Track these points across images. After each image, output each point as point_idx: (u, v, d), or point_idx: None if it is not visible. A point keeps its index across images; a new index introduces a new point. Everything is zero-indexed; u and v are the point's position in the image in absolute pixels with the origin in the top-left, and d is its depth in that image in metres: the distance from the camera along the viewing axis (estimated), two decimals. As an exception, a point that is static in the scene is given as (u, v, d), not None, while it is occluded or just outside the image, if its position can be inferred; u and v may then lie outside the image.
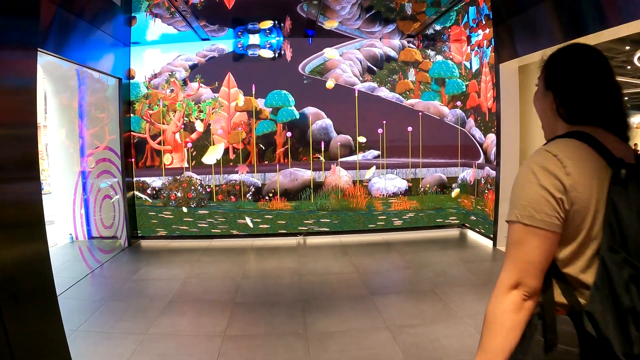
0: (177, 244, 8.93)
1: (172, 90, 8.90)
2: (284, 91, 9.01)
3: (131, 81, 8.89)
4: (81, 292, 6.32)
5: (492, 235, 8.10)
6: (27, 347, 2.48)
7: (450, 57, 9.32)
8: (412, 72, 9.26)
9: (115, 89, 8.49)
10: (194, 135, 8.97)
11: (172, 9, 8.21)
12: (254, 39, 8.99)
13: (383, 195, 9.27)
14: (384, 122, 9.20)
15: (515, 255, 1.75)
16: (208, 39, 8.96)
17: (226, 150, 9.02)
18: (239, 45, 9.00)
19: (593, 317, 1.56)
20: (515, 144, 7.87)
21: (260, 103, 8.98)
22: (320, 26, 8.88)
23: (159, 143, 8.98)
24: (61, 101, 7.86)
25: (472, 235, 8.97)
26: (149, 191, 9.03)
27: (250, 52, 9.00)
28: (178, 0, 7.26)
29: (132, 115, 8.89)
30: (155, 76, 8.93)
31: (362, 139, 9.16)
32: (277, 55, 9.02)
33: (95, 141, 8.17)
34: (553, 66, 1.99)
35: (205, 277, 6.87)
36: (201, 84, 8.93)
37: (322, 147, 9.08)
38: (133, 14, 8.63)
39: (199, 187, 9.01)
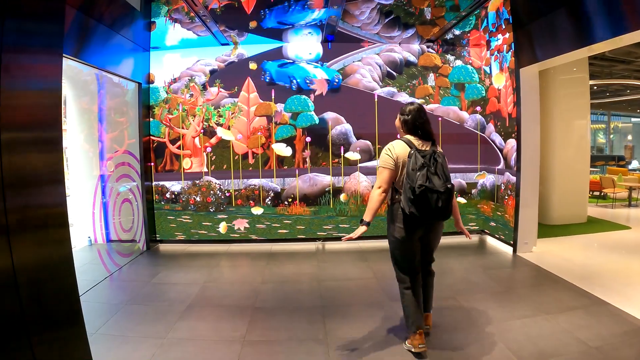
0: (195, 248, 8.93)
1: (191, 95, 8.91)
2: (304, 96, 9.00)
3: (151, 86, 8.92)
4: (100, 295, 6.33)
5: (512, 242, 8.01)
6: (50, 350, 2.46)
7: (470, 61, 9.25)
8: (431, 77, 9.20)
9: (135, 93, 8.51)
10: (213, 140, 8.97)
11: (192, 14, 8.24)
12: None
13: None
14: None
15: (380, 177, 4.38)
16: (228, 44, 8.96)
17: (245, 155, 8.99)
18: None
19: (400, 203, 4.35)
20: (535, 149, 7.80)
21: (279, 108, 8.96)
22: (340, 31, 8.86)
23: (179, 147, 8.98)
24: (81, 105, 7.89)
25: (491, 241, 8.88)
26: (167, 195, 9.03)
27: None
28: (198, 5, 7.27)
29: (151, 119, 8.91)
30: (174, 81, 8.96)
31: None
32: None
33: (115, 145, 8.20)
34: (401, 111, 4.54)
35: (224, 282, 6.85)
36: (221, 89, 8.93)
37: (342, 151, 9.04)
38: (152, 19, 8.67)
39: (218, 192, 9.00)
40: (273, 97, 8.99)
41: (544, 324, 4.98)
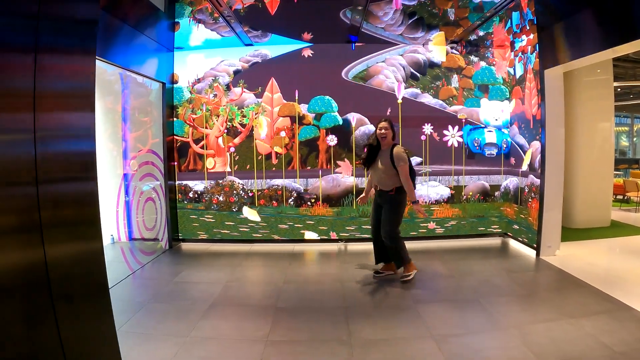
0: (217, 247, 8.97)
1: (215, 95, 8.95)
2: (327, 97, 8.99)
3: (175, 85, 8.98)
4: (122, 292, 6.37)
5: (535, 245, 7.95)
6: (79, 346, 2.48)
7: (494, 63, 9.20)
8: (455, 79, 9.16)
9: (159, 93, 8.56)
10: (236, 140, 9.00)
11: (216, 14, 8.27)
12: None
13: (425, 202, 9.18)
14: (427, 128, 9.12)
15: (405, 170, 6.54)
16: (251, 45, 8.99)
17: (268, 155, 9.02)
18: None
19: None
20: (560, 151, 7.74)
21: (303, 108, 8.97)
22: (363, 32, 8.86)
23: (202, 147, 9.03)
24: (105, 104, 7.94)
25: (514, 244, 8.82)
26: (190, 194, 9.08)
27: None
28: (222, 6, 7.29)
29: (175, 119, 8.97)
30: (198, 81, 9.02)
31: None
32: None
33: (138, 144, 8.25)
34: (392, 124, 6.75)
35: (246, 281, 6.88)
36: (244, 89, 8.95)
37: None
38: (176, 20, 8.71)
39: (241, 192, 9.03)
40: (297, 98, 9.01)
41: (567, 327, 4.92)
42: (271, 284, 6.70)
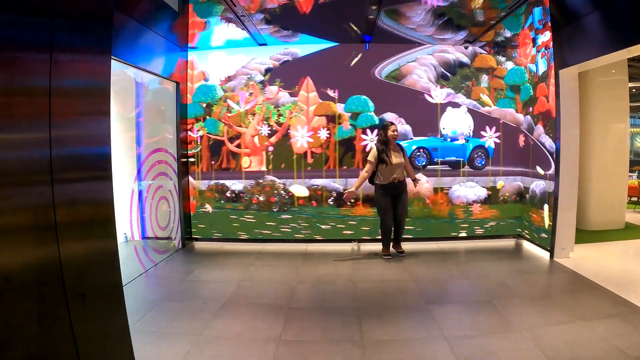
0: (230, 246, 9.00)
1: (251, 94, 8.96)
2: (364, 96, 9.00)
3: (206, 83, 9.04)
4: (135, 291, 6.40)
5: (549, 248, 7.90)
6: (92, 344, 2.49)
7: (519, 62, 9.13)
8: (485, 79, 9.11)
9: (173, 92, 8.58)
10: (272, 139, 9.02)
11: (224, 15, 8.30)
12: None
13: (464, 203, 9.16)
14: (463, 129, 9.11)
15: (368, 167, 7.88)
16: (265, 44, 8.99)
17: (304, 155, 9.06)
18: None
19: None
20: (574, 152, 7.68)
21: (339, 108, 8.99)
22: (389, 31, 8.84)
23: (237, 146, 9.08)
24: (119, 103, 7.98)
25: (527, 245, 8.77)
26: (227, 194, 9.13)
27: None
28: (236, 5, 7.30)
29: (208, 117, 9.05)
30: (229, 79, 9.03)
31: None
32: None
33: (152, 143, 8.28)
34: (380, 127, 8.31)
35: (259, 281, 6.88)
36: (281, 88, 8.97)
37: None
38: (206, 19, 8.70)
39: (282, 191, 9.04)
40: (337, 97, 9.04)
41: (581, 330, 4.89)
42: (284, 284, 6.70)
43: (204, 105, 9.11)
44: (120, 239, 7.87)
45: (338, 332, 5.01)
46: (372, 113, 9.01)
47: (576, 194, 7.82)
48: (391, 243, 8.24)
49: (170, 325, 5.22)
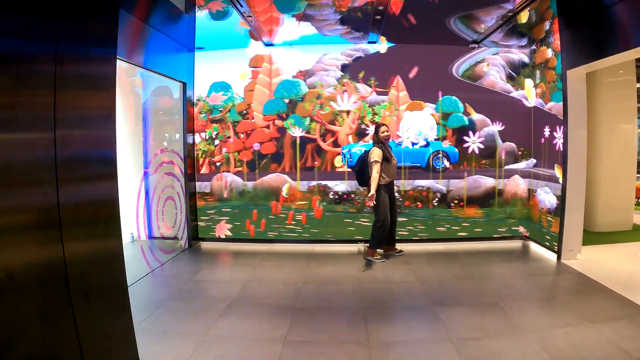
0: (236, 247, 9.00)
1: (344, 92, 8.97)
2: (454, 97, 8.99)
3: (289, 79, 9.07)
4: (141, 290, 6.41)
5: (556, 248, 7.87)
6: (97, 343, 2.49)
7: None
8: (538, 74, 8.97)
9: (180, 92, 8.60)
10: (368, 138, 9.00)
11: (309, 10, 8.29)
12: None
13: (541, 209, 9.10)
14: (546, 130, 9.04)
15: (377, 167, 7.60)
16: (272, 45, 8.98)
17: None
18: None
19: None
20: (582, 153, 7.63)
21: (430, 109, 9.01)
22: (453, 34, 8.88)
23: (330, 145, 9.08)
24: (126, 103, 8.00)
25: (534, 247, 8.73)
26: (331, 195, 9.17)
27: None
28: (243, 6, 7.29)
29: (292, 113, 9.08)
30: (303, 74, 9.06)
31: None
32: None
33: (159, 144, 8.29)
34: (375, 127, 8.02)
35: (265, 281, 6.88)
36: (376, 87, 8.97)
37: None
38: (286, 14, 8.68)
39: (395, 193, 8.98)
40: (440, 99, 9.04)
41: (587, 332, 4.87)
42: (290, 284, 6.70)
43: (287, 101, 9.07)
44: (127, 238, 7.89)
45: (344, 333, 5.00)
46: (462, 114, 8.99)
47: (584, 195, 7.78)
48: (384, 245, 8.26)
49: (176, 325, 5.23)
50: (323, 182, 9.08)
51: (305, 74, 9.04)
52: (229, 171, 9.11)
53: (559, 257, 7.72)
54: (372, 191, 7.52)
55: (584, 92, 7.61)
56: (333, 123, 9.01)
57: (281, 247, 8.91)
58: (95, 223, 2.47)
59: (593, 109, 9.78)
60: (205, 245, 9.13)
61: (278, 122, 9.07)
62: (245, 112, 9.13)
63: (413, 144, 9.10)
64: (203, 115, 9.11)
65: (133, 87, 8.05)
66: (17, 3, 1.93)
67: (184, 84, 8.60)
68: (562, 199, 7.65)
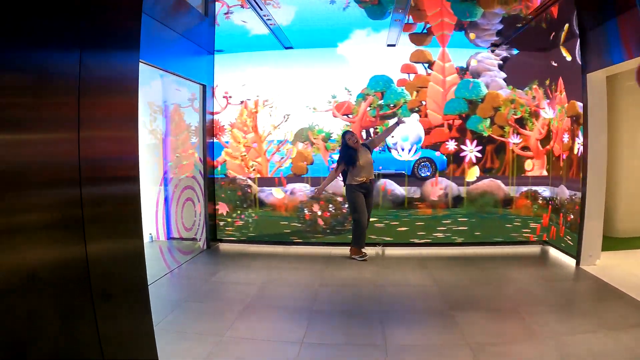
0: (254, 248, 9.01)
1: (534, 97, 8.88)
2: None
3: (470, 79, 8.92)
4: (160, 290, 6.45)
5: (574, 253, 7.80)
6: (117, 343, 2.51)
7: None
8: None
9: (200, 95, 8.64)
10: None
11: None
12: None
13: None
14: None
15: (338, 166, 8.12)
16: (291, 47, 8.99)
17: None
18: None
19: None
20: (602, 158, 7.56)
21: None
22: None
23: (522, 149, 9.00)
24: (146, 105, 8.06)
25: (553, 252, 8.66)
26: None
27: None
28: (263, 9, 7.31)
29: (475, 114, 8.91)
30: (467, 74, 8.96)
31: None
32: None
33: (178, 145, 8.35)
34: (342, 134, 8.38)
35: (282, 283, 6.89)
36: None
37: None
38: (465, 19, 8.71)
39: None
40: None
41: (606, 340, 4.81)
42: (307, 287, 6.70)
43: (468, 101, 8.90)
44: (145, 239, 7.94)
45: (361, 336, 5.00)
46: None
47: (603, 200, 7.71)
48: (354, 247, 8.35)
49: (193, 325, 5.26)
50: (534, 188, 9.06)
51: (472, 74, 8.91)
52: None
53: (577, 263, 7.65)
54: (318, 190, 8.41)
55: (604, 96, 7.54)
56: (524, 128, 8.92)
57: (299, 249, 8.91)
58: (117, 222, 2.50)
59: (614, 113, 9.69)
60: (223, 246, 9.16)
61: (458, 122, 8.95)
62: (417, 109, 9.01)
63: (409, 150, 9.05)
64: (372, 110, 9.00)
65: (153, 88, 8.11)
66: (42, 6, 1.95)
67: (204, 86, 8.65)
68: (581, 204, 7.59)
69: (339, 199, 9.07)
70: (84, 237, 2.17)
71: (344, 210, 9.03)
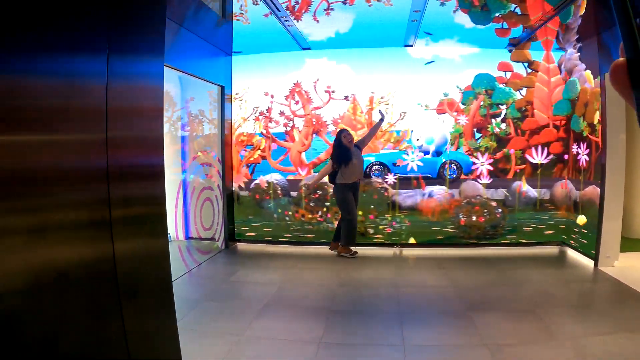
0: (272, 248, 9.05)
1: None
2: None
3: (572, 79, 8.68)
4: (178, 290, 6.44)
5: (593, 252, 7.77)
6: (142, 341, 2.56)
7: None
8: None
9: (218, 96, 8.70)
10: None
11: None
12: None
13: None
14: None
15: (333, 164, 8.18)
16: (309, 49, 9.03)
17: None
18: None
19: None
20: (621, 157, 7.51)
21: None
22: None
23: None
24: (165, 106, 8.12)
25: (571, 253, 8.62)
26: None
27: None
28: (280, 10, 7.35)
29: (574, 114, 8.76)
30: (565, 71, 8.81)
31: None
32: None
33: (197, 146, 8.41)
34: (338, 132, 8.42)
35: (301, 283, 6.92)
36: None
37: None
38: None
39: None
40: None
41: (625, 342, 4.79)
42: (325, 287, 6.73)
43: (570, 101, 8.76)
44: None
45: (379, 336, 5.02)
46: None
47: (622, 201, 7.66)
48: (332, 242, 8.65)
49: (211, 324, 5.31)
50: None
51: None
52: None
53: (596, 264, 7.62)
54: (312, 182, 8.79)
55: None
56: None
57: (316, 250, 8.92)
58: (143, 222, 2.54)
59: (631, 113, 9.59)
60: (241, 246, 9.20)
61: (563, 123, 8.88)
62: (524, 108, 8.95)
63: (425, 152, 9.04)
64: (482, 109, 8.95)
65: (172, 89, 8.18)
66: (71, 12, 2.00)
67: (222, 87, 8.70)
68: (600, 205, 7.56)
69: (493, 203, 8.93)
70: (112, 236, 2.21)
71: (497, 215, 8.90)
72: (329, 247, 8.70)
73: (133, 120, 2.44)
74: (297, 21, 8.19)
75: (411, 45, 8.96)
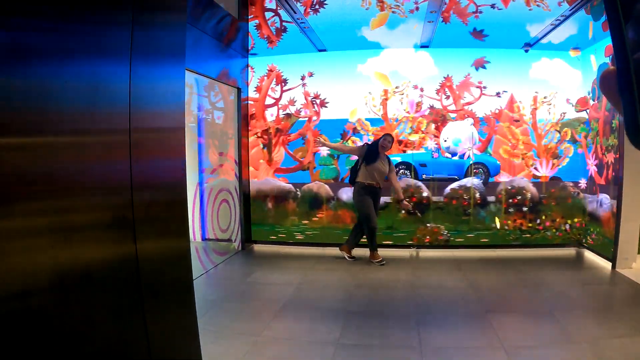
0: (289, 250, 9.08)
1: None
2: None
3: None
4: (196, 290, 6.46)
5: (610, 256, 7.72)
6: (164, 341, 2.59)
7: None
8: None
9: (235, 98, 8.74)
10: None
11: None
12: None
13: None
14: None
15: (357, 151, 8.35)
16: (325, 50, 9.05)
17: None
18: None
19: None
20: (639, 158, 7.48)
21: None
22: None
23: None
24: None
25: (589, 255, 8.58)
26: None
27: None
28: (297, 12, 7.39)
29: None
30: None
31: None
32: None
33: (214, 148, 8.46)
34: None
35: (318, 284, 6.94)
36: None
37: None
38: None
39: None
40: None
41: (643, 344, 4.80)
42: (342, 288, 6.75)
43: None
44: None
45: (396, 338, 5.02)
46: None
47: (640, 203, 7.62)
48: (346, 245, 8.42)
49: (229, 325, 5.33)
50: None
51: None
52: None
53: (613, 266, 7.57)
54: (327, 143, 8.81)
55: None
56: None
57: (334, 251, 8.88)
58: (165, 222, 2.57)
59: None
60: (258, 247, 9.24)
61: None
62: None
63: (453, 154, 9.00)
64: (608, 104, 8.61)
65: (188, 91, 8.23)
66: (97, 20, 2.03)
67: (239, 89, 8.74)
68: (617, 206, 7.52)
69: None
70: (135, 237, 2.24)
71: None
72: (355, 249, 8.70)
73: (155, 123, 2.48)
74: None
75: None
